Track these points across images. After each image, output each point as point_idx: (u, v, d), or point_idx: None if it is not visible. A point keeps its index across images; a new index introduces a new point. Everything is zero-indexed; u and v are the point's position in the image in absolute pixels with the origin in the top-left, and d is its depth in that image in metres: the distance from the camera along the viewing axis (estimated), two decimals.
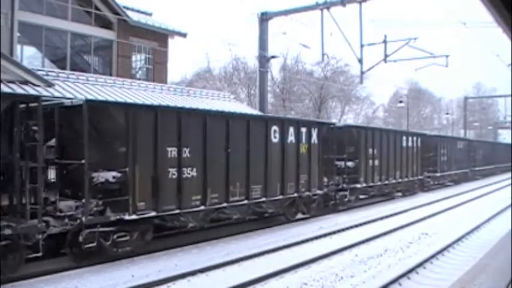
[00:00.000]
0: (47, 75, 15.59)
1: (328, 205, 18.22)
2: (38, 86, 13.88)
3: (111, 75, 20.86)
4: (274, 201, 14.69)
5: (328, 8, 19.65)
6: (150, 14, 24.65)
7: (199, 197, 11.92)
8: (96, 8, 20.69)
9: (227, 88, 42.73)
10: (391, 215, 18.05)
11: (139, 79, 22.45)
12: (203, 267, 9.94)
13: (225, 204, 12.74)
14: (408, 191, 25.38)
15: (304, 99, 49.18)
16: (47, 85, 14.10)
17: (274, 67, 43.72)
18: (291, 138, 15.24)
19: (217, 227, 14.35)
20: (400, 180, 23.54)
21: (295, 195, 15.50)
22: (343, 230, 14.83)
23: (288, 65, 46.62)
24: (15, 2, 17.10)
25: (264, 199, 14.12)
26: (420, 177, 26.60)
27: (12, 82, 13.31)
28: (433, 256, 10.94)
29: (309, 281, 9.07)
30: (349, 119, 58.00)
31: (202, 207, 12.05)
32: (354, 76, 46.05)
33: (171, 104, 18.22)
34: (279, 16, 22.28)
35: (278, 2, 24.49)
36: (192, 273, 9.61)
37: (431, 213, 18.34)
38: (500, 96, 66.98)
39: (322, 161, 16.91)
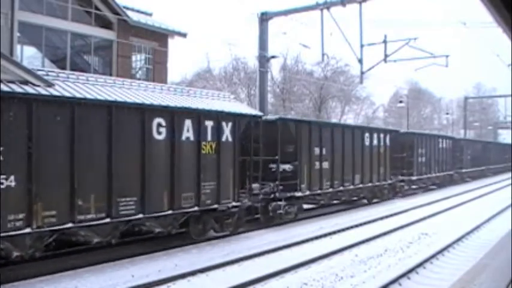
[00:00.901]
0: (47, 75, 15.53)
1: (259, 219, 15.59)
2: (38, 86, 13.86)
3: (111, 75, 20.83)
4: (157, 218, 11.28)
5: (328, 8, 19.63)
6: (150, 14, 24.64)
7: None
8: (96, 8, 20.67)
9: (227, 88, 42.70)
10: (391, 215, 18.05)
11: (139, 79, 22.44)
12: (203, 267, 9.95)
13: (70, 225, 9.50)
14: (376, 197, 22.11)
15: (304, 99, 49.17)
16: (47, 85, 14.06)
17: (274, 67, 43.72)
18: (188, 134, 12.13)
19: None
20: (361, 185, 19.94)
21: (195, 208, 12.18)
22: (343, 230, 14.83)
23: (288, 65, 46.60)
24: (16, 2, 17.09)
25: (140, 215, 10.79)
26: (390, 181, 22.81)
27: (12, 82, 13.29)
28: (433, 256, 10.95)
29: (309, 281, 9.07)
30: (349, 119, 58.02)
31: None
32: (354, 76, 46.04)
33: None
34: (279, 16, 22.26)
35: (278, 2, 24.48)
36: (192, 273, 9.61)
37: (431, 213, 18.34)
38: (500, 96, 67.00)
39: (242, 164, 13.85)
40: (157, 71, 23.63)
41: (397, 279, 9.00)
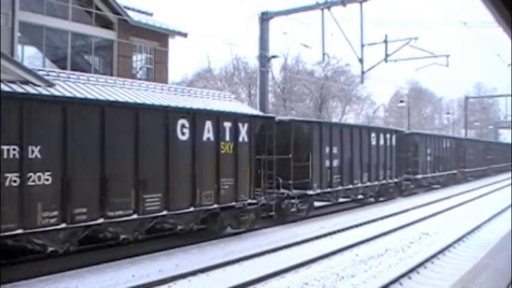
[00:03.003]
0: (48, 75, 15.55)
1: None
2: (39, 86, 13.87)
3: (111, 75, 20.84)
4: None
5: (328, 8, 19.63)
6: (150, 14, 24.65)
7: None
8: (97, 8, 20.68)
9: (228, 88, 42.72)
10: (392, 215, 18.05)
11: (140, 79, 22.45)
12: (204, 267, 9.95)
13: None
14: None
15: (305, 99, 49.18)
16: (48, 85, 14.07)
17: (275, 67, 43.74)
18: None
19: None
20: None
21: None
22: (343, 230, 14.83)
23: (289, 65, 46.61)
24: (16, 2, 17.10)
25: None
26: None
27: (13, 82, 13.30)
28: (433, 256, 10.94)
29: (310, 281, 9.07)
30: (350, 119, 58.03)
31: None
32: (354, 76, 46.06)
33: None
34: (280, 16, 22.26)
35: (278, 2, 24.47)
36: (193, 273, 9.61)
37: (432, 213, 18.33)
38: (500, 95, 66.96)
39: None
40: (157, 71, 23.64)
41: (398, 279, 9.00)
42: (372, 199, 22.49)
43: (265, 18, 21.89)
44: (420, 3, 75.54)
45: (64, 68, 19.35)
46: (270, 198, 14.95)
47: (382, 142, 21.68)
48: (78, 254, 10.58)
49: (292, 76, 44.80)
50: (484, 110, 75.67)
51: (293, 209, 16.17)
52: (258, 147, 14.55)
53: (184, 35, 24.48)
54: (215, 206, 12.55)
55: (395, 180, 22.99)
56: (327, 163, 17.73)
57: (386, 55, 21.74)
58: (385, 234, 13.96)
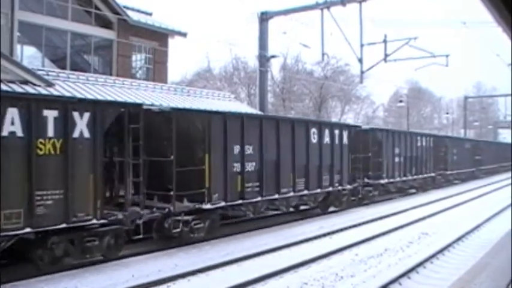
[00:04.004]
0: (47, 75, 15.59)
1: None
2: (39, 85, 13.88)
3: (111, 74, 20.87)
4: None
5: (328, 8, 19.65)
6: (150, 14, 24.66)
7: None
8: (96, 8, 20.68)
9: (227, 88, 42.76)
10: (391, 215, 18.05)
11: (139, 79, 22.46)
12: (203, 266, 9.95)
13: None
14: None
15: (304, 98, 49.22)
16: (47, 85, 14.09)
17: (275, 67, 43.79)
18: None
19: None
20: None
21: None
22: (342, 229, 14.82)
23: (288, 65, 46.67)
24: (16, 1, 17.10)
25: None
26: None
27: (13, 82, 13.31)
28: (433, 256, 10.94)
29: (309, 281, 9.07)
30: (349, 119, 58.01)
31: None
32: (354, 76, 46.06)
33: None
34: (279, 16, 22.28)
35: (278, 2, 24.49)
36: (192, 272, 9.61)
37: (431, 212, 18.33)
38: (500, 95, 67.06)
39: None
40: (157, 71, 23.65)
41: (397, 279, 9.00)
42: (319, 210, 18.14)
43: (264, 18, 21.91)
44: (420, 3, 75.67)
45: (63, 67, 19.36)
46: (134, 215, 10.83)
47: (327, 140, 17.06)
48: (77, 254, 10.56)
49: (292, 76, 44.83)
50: (484, 109, 75.74)
51: (178, 230, 11.92)
52: (121, 145, 10.97)
53: (184, 34, 24.48)
54: (27, 230, 8.86)
55: (349, 186, 18.69)
56: (237, 167, 13.37)
57: (386, 55, 21.78)
58: (384, 234, 13.96)
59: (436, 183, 29.30)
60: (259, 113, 21.12)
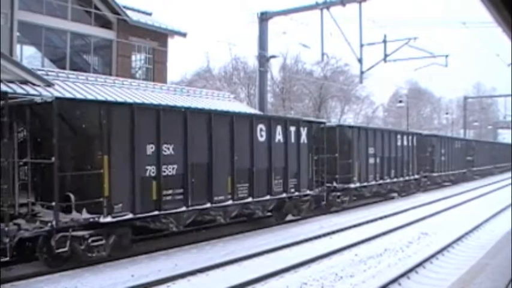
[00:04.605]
0: (47, 75, 15.58)
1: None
2: (38, 85, 13.88)
3: (110, 74, 20.87)
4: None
5: (328, 8, 19.65)
6: (149, 14, 24.66)
7: None
8: (96, 8, 20.68)
9: (227, 88, 42.75)
10: (391, 215, 18.05)
11: (139, 79, 22.46)
12: (203, 266, 9.95)
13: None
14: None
15: (304, 99, 49.26)
16: (47, 85, 14.09)
17: (274, 67, 43.82)
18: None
19: (216, 227, 14.37)
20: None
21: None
22: (342, 229, 14.83)
23: (288, 65, 46.70)
24: (15, 1, 17.10)
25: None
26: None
27: (12, 82, 13.31)
28: (432, 256, 10.95)
29: (309, 281, 9.07)
30: (349, 119, 58.04)
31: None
32: (353, 76, 46.12)
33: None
34: (279, 16, 22.27)
35: (278, 2, 24.49)
36: (192, 273, 9.61)
37: (431, 213, 18.33)
38: (500, 96, 67.12)
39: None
40: (157, 71, 23.65)
41: (396, 279, 9.00)
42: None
43: (264, 18, 21.91)
44: (420, 3, 75.68)
45: (63, 67, 19.36)
46: (12, 232, 8.95)
47: (279, 138, 14.94)
48: (77, 253, 10.57)
49: (291, 76, 44.86)
50: (483, 110, 75.79)
51: (65, 249, 9.62)
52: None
53: (184, 34, 24.49)
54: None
55: (309, 192, 16.23)
56: (151, 170, 10.94)
57: (386, 55, 21.77)
58: (384, 234, 13.97)
59: (421, 186, 27.30)
60: (259, 113, 21.11)
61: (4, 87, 10.17)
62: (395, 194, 24.33)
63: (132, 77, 22.22)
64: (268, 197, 14.39)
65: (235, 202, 13.22)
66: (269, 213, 15.77)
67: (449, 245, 12.16)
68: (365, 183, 20.46)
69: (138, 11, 23.74)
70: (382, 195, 23.21)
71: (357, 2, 19.31)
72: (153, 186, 10.90)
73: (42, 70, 16.47)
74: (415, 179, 26.02)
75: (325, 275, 9.52)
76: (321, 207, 17.92)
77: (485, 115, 78.60)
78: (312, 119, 21.00)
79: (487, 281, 6.17)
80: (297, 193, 15.52)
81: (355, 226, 15.56)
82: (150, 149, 10.84)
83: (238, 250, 11.72)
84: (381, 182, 21.82)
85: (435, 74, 63.99)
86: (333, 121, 44.03)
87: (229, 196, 12.96)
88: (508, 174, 41.33)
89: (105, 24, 21.34)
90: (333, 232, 14.38)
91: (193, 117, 12.06)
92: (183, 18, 68.44)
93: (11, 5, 16.83)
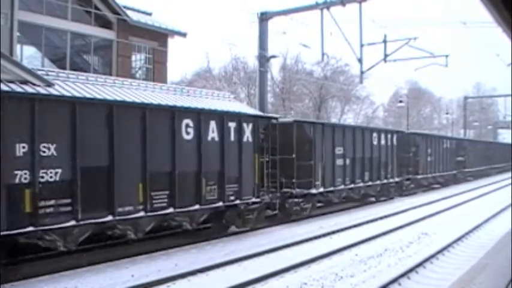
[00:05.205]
0: (47, 75, 15.54)
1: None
2: (38, 85, 13.87)
3: (111, 74, 20.85)
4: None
5: (328, 8, 19.63)
6: (149, 14, 24.65)
7: None
8: (96, 8, 20.68)
9: (227, 88, 42.73)
10: (391, 215, 18.05)
11: (139, 79, 22.46)
12: (203, 266, 9.95)
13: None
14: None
15: (304, 99, 49.25)
16: (47, 85, 14.08)
17: (274, 67, 43.78)
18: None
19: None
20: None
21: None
22: (342, 229, 14.83)
23: (288, 65, 46.66)
24: (15, 1, 17.09)
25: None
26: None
27: (12, 82, 13.30)
28: (433, 256, 10.95)
29: (309, 281, 9.08)
30: (349, 119, 58.06)
31: None
32: (353, 76, 46.10)
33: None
34: (279, 16, 22.26)
35: (278, 2, 24.49)
36: (192, 272, 9.61)
37: (431, 213, 18.33)
38: (500, 96, 67.13)
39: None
40: (157, 71, 23.65)
41: (397, 279, 9.01)
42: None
43: (264, 18, 21.90)
44: (419, 3, 75.66)
45: (63, 67, 19.34)
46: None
47: (213, 136, 12.82)
48: (77, 253, 10.58)
49: (292, 76, 44.84)
50: (483, 110, 75.79)
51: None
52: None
53: (184, 34, 24.48)
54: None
55: (255, 199, 14.04)
56: (22, 176, 8.82)
57: (386, 55, 21.75)
58: (384, 234, 13.97)
59: (404, 189, 24.98)
60: (259, 113, 21.10)
61: (4, 87, 10.19)
62: (372, 199, 22.25)
63: (132, 77, 22.20)
64: (197, 207, 12.06)
65: (149, 214, 10.90)
66: (205, 225, 13.69)
67: (449, 245, 12.16)
68: (331, 188, 17.88)
69: (138, 11, 23.73)
70: (356, 200, 20.96)
71: (357, 2, 19.30)
72: (26, 195, 8.78)
73: (42, 70, 16.39)
74: (396, 182, 23.34)
75: (325, 275, 9.52)
76: (277, 216, 15.96)
77: (485, 115, 78.61)
78: (258, 113, 16.68)
79: (487, 281, 6.17)
80: (238, 201, 13.20)
81: (355, 226, 15.56)
82: (22, 148, 8.75)
83: (238, 250, 11.72)
84: (352, 186, 19.21)
85: (435, 74, 63.97)
86: (333, 121, 44.08)
87: (141, 207, 10.73)
88: (505, 175, 40.66)
89: (105, 24, 21.34)
90: (333, 232, 14.38)
91: (87, 110, 9.89)
92: (183, 18, 68.41)
93: (11, 5, 16.83)
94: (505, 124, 69.94)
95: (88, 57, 22.12)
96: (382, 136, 22.07)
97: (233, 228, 14.09)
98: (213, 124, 12.63)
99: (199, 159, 12.14)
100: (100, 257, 10.56)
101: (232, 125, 13.18)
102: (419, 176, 26.83)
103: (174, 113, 11.77)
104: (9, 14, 16.71)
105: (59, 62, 20.50)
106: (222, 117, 12.95)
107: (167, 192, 11.33)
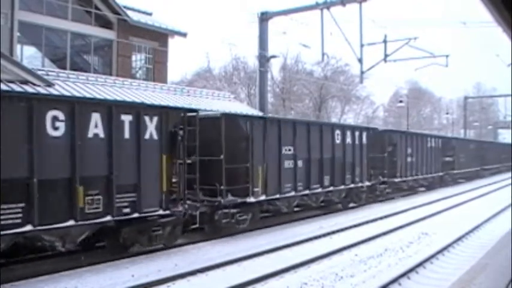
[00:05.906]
0: (47, 75, 15.59)
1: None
2: (38, 85, 13.89)
3: (111, 74, 20.88)
4: None
5: (328, 8, 19.66)
6: (150, 14, 24.67)
7: None
8: (96, 8, 20.69)
9: (227, 88, 42.76)
10: (391, 215, 18.04)
11: (139, 79, 22.48)
12: (203, 267, 9.94)
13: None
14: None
15: (304, 99, 49.28)
16: (47, 85, 14.10)
17: (274, 67, 43.84)
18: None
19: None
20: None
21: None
22: (342, 229, 14.82)
23: (288, 65, 46.70)
24: (15, 1, 17.11)
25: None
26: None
27: (12, 82, 13.31)
28: (433, 256, 10.94)
29: (309, 281, 9.07)
30: (349, 119, 58.08)
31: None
32: (354, 76, 46.16)
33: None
34: (279, 16, 22.29)
35: (278, 2, 24.51)
36: (192, 273, 9.61)
37: (431, 213, 18.32)
38: (500, 96, 67.16)
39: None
40: (157, 71, 23.67)
41: (397, 279, 9.00)
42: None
43: (264, 18, 21.93)
44: (420, 3, 75.66)
45: (63, 67, 19.38)
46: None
47: (97, 131, 9.85)
48: (77, 253, 10.58)
49: (292, 76, 44.87)
50: (484, 110, 75.83)
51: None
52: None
53: (184, 34, 24.50)
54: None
55: (162, 212, 11.12)
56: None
57: (386, 55, 21.79)
58: (384, 234, 13.96)
59: (378, 194, 22.05)
60: (259, 113, 21.10)
61: (4, 87, 10.19)
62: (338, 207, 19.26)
63: (133, 77, 22.23)
64: (71, 223, 9.32)
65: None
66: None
67: (449, 245, 12.15)
68: (277, 195, 14.79)
69: (139, 11, 23.76)
70: (315, 208, 17.98)
71: (357, 2, 19.32)
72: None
73: (43, 70, 16.47)
74: (368, 187, 20.21)
75: (325, 275, 9.52)
76: (205, 230, 13.33)
77: (485, 115, 78.64)
78: (168, 104, 14.37)
79: (487, 281, 6.17)
80: (136, 214, 10.50)
81: (355, 226, 15.54)
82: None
83: (238, 250, 11.71)
84: (307, 192, 16.08)
85: (435, 74, 64.02)
86: (333, 121, 44.12)
87: None
88: (499, 177, 39.48)
89: (105, 24, 21.35)
90: (333, 232, 14.37)
91: None
92: (183, 18, 68.50)
93: (11, 5, 16.84)
94: (505, 124, 69.93)
95: (88, 57, 22.14)
96: (348, 134, 18.48)
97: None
98: (96, 117, 9.75)
99: (73, 161, 9.33)
100: (101, 257, 10.56)
101: (126, 118, 10.29)
102: (397, 179, 23.55)
103: (32, 103, 8.86)
104: (9, 14, 16.72)
105: (59, 62, 20.52)
106: (109, 108, 10.07)
107: (22, 205, 8.65)
